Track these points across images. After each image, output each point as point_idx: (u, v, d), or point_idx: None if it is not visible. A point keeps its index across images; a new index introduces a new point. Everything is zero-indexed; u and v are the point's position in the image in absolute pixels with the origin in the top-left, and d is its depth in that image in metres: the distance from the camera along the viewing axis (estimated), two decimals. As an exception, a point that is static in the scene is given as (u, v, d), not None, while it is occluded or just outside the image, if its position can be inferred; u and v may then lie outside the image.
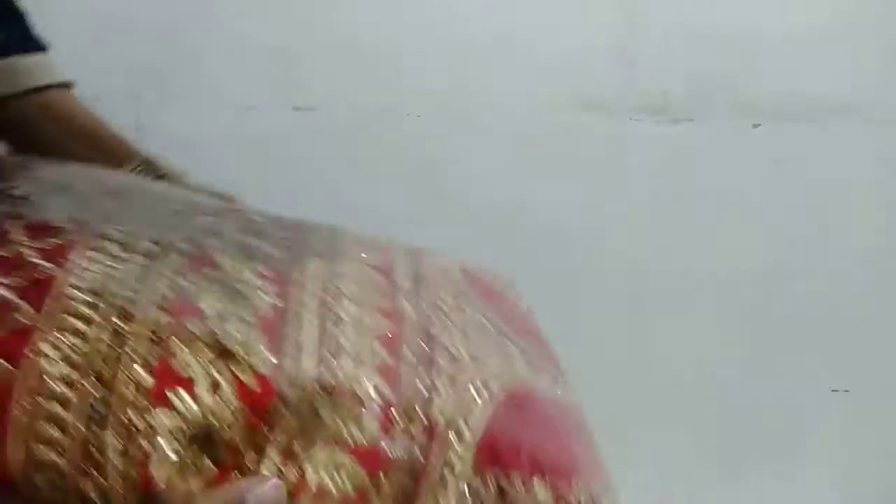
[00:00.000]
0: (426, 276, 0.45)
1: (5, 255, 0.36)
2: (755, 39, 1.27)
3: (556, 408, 0.43)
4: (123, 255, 0.37)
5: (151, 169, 0.61)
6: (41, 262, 0.36)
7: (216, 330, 0.35)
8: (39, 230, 0.37)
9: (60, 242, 0.37)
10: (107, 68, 1.15)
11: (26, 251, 0.36)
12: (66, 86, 0.64)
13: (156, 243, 0.39)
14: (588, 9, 1.25)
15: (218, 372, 0.34)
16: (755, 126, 1.28)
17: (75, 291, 0.35)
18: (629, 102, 1.27)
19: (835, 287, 1.29)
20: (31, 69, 0.61)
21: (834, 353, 1.30)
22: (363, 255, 0.44)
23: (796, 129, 1.28)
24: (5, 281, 0.35)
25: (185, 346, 0.34)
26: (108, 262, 0.37)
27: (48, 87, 0.62)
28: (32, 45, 0.63)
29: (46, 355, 0.33)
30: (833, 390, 1.31)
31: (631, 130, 1.27)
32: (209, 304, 0.36)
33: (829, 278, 1.29)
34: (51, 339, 0.33)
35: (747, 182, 1.28)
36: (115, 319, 0.34)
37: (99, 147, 0.63)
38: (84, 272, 0.36)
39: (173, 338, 0.34)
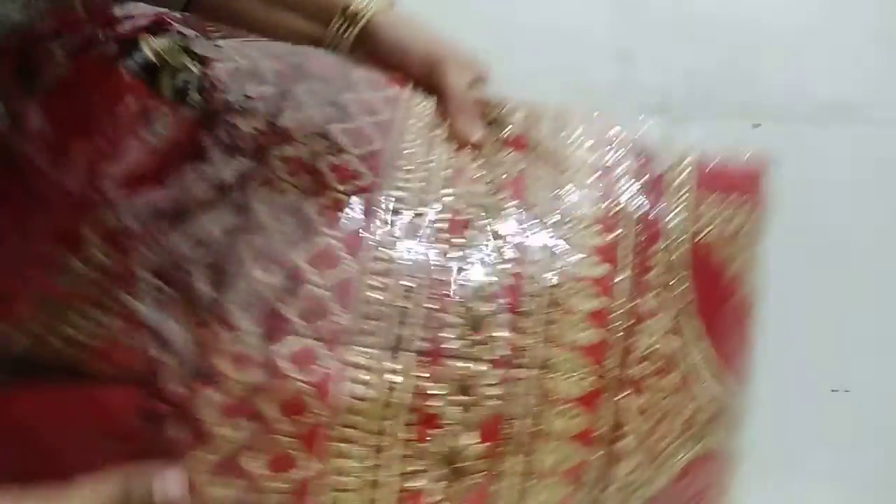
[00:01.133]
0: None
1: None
2: (755, 39, 1.27)
3: None
4: None
5: (353, 21, 0.62)
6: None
7: None
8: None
9: None
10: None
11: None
12: None
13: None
14: (588, 8, 1.25)
15: None
16: (755, 126, 1.28)
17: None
18: (629, 102, 1.27)
19: (835, 287, 1.29)
20: None
21: (834, 353, 1.30)
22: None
23: (796, 129, 1.28)
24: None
25: None
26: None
27: None
28: None
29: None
30: (833, 390, 1.30)
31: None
32: None
33: (829, 278, 1.29)
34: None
35: (747, 182, 1.28)
36: None
37: (297, 6, 0.62)
38: None
39: None
